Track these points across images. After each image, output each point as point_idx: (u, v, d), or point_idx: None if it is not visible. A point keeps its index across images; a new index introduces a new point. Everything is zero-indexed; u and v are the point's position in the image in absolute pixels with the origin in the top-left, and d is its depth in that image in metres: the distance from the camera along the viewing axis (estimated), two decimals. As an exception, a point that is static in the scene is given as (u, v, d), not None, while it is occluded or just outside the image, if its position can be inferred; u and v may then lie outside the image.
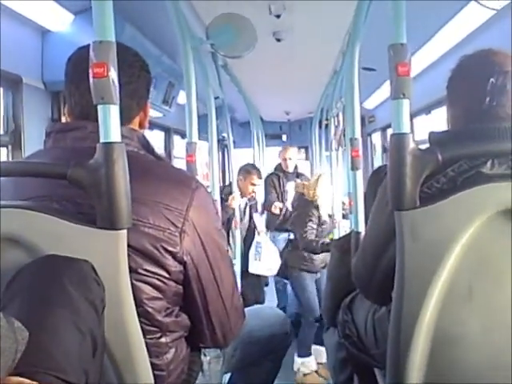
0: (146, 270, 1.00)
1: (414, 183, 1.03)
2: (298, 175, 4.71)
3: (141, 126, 1.20)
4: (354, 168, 1.96)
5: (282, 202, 4.55)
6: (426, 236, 1.06)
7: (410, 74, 1.01)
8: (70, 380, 0.73)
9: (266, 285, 4.25)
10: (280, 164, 4.78)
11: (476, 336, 1.07)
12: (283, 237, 4.23)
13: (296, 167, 4.77)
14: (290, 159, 4.67)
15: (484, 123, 1.15)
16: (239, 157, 6.49)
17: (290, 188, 4.51)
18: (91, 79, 0.88)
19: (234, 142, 3.91)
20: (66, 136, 1.07)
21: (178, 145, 4.97)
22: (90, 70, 0.88)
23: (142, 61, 1.17)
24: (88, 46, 1.08)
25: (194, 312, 1.13)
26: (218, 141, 4.21)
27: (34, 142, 2.07)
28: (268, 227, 4.48)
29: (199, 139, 1.95)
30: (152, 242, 1.00)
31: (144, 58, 1.19)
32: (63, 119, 1.15)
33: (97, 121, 0.93)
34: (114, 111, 0.89)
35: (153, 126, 4.21)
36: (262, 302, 3.81)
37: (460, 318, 1.07)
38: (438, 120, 3.57)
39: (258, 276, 3.89)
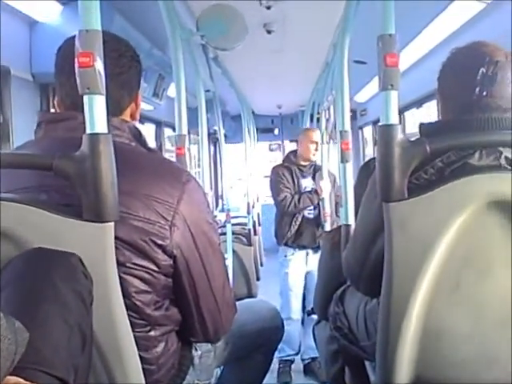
0: (134, 263, 1.00)
1: (402, 174, 1.03)
2: (316, 170, 3.55)
3: (132, 117, 1.19)
4: (343, 160, 1.96)
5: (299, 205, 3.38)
6: (414, 227, 1.06)
7: (398, 65, 1.01)
8: (58, 375, 0.72)
9: (258, 279, 4.25)
10: (291, 154, 3.69)
11: (464, 327, 1.07)
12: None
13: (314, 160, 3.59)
14: (314, 143, 3.48)
15: (474, 114, 1.15)
16: (230, 151, 6.49)
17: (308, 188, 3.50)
18: (76, 69, 0.87)
19: (225, 135, 3.90)
20: (57, 126, 1.06)
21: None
22: (76, 60, 0.87)
23: (132, 51, 1.16)
24: None
25: (184, 306, 1.13)
26: (209, 134, 4.20)
27: (22, 134, 2.04)
28: (279, 241, 3.60)
29: (190, 133, 1.94)
30: (141, 236, 0.99)
31: (134, 49, 1.18)
32: (52, 111, 1.14)
33: None
34: (100, 102, 0.88)
35: (144, 119, 4.18)
36: (254, 296, 3.81)
37: (448, 309, 1.08)
38: (429, 113, 3.59)
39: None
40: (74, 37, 1.07)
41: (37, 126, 1.09)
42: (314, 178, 3.54)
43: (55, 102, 1.15)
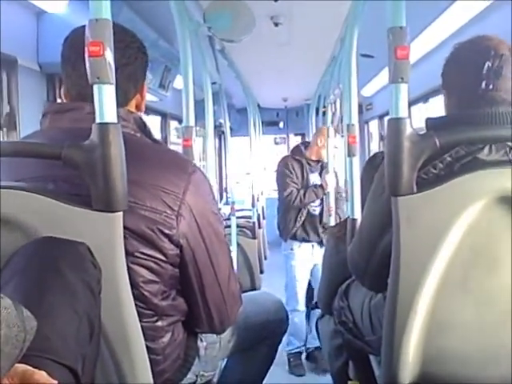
0: (142, 252, 1.00)
1: (410, 168, 1.03)
2: (323, 167, 3.53)
3: (138, 108, 1.19)
4: (350, 154, 1.96)
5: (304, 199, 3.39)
6: (422, 222, 1.05)
7: (408, 58, 1.00)
8: (66, 363, 0.73)
9: (262, 272, 4.26)
10: (302, 146, 3.68)
11: (470, 323, 1.07)
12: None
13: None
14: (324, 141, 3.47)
15: (481, 108, 1.15)
16: (236, 144, 6.48)
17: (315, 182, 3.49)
18: (86, 58, 0.86)
19: (231, 128, 3.89)
20: (63, 117, 1.06)
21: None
22: (86, 49, 0.86)
23: (139, 42, 1.16)
24: (83, 26, 1.06)
25: (190, 296, 1.13)
26: (215, 127, 4.19)
27: (29, 124, 2.04)
28: (282, 235, 3.61)
29: (196, 125, 1.94)
30: (149, 225, 0.99)
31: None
32: (59, 101, 1.14)
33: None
34: (110, 91, 0.87)
35: (149, 110, 4.18)
36: (257, 289, 3.81)
37: (455, 304, 1.08)
38: (436, 108, 3.57)
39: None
40: (80, 27, 1.08)
41: (42, 116, 1.09)
42: (320, 175, 3.54)
43: (61, 93, 1.15)
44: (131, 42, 1.13)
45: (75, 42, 1.08)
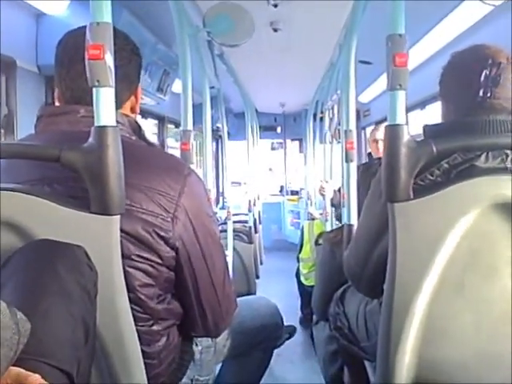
0: (138, 255, 1.00)
1: (408, 175, 1.03)
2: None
3: (132, 110, 1.19)
4: (348, 160, 1.96)
5: None
6: (418, 228, 1.06)
7: (407, 65, 1.01)
8: (61, 367, 0.72)
9: (258, 277, 4.25)
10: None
11: (467, 329, 1.07)
12: None
13: None
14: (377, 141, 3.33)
15: (478, 116, 1.15)
16: (233, 148, 6.48)
17: None
18: (87, 61, 0.87)
19: (228, 133, 3.88)
20: (57, 120, 1.06)
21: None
22: (86, 52, 0.86)
23: (132, 44, 1.16)
24: (77, 29, 1.07)
25: (185, 299, 1.13)
26: (213, 131, 4.19)
27: (27, 126, 2.04)
28: None
29: (193, 129, 1.94)
30: (145, 227, 0.99)
31: (140, 45, 1.18)
32: (56, 105, 1.14)
33: (89, 105, 0.92)
34: (110, 94, 0.88)
35: (147, 113, 4.17)
36: (253, 294, 3.81)
37: (451, 311, 1.08)
38: (433, 115, 3.58)
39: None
40: (73, 30, 1.09)
41: (37, 119, 1.09)
42: None
43: (55, 95, 1.15)
44: (124, 44, 1.13)
45: (68, 45, 1.08)
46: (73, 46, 1.06)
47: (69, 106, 1.08)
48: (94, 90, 0.87)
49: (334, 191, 3.63)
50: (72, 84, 1.07)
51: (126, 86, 1.13)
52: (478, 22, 2.33)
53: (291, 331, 2.62)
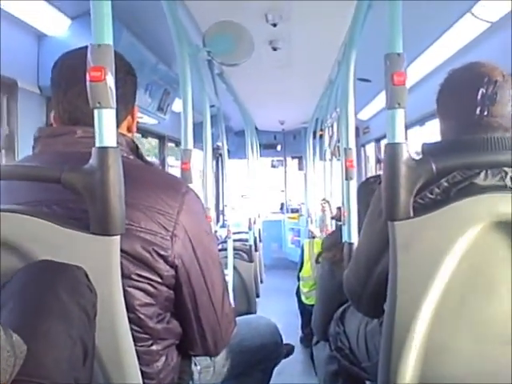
0: (138, 274, 1.00)
1: (407, 193, 1.03)
2: None
3: (129, 130, 1.19)
4: (348, 178, 1.96)
5: None
6: (419, 246, 1.06)
7: (405, 84, 1.01)
8: None
9: (258, 296, 4.23)
10: None
11: (468, 348, 1.07)
12: None
13: None
14: None
15: (476, 134, 1.16)
16: (233, 166, 6.49)
17: None
18: (88, 83, 0.87)
19: (228, 151, 3.89)
20: (55, 141, 1.07)
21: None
22: (87, 74, 0.87)
23: (128, 65, 1.16)
24: (72, 51, 1.08)
25: (184, 318, 1.12)
26: (213, 150, 4.20)
27: (27, 146, 2.05)
28: None
29: (194, 147, 1.95)
30: (145, 246, 0.99)
31: (140, 65, 1.19)
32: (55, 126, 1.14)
33: (86, 125, 0.92)
34: (111, 115, 0.88)
35: (147, 132, 4.19)
36: (253, 313, 3.79)
37: (452, 330, 1.07)
38: (432, 132, 3.59)
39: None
40: (68, 52, 1.10)
41: (34, 141, 1.10)
42: None
43: (51, 117, 1.15)
44: (120, 65, 1.13)
45: (64, 67, 1.09)
46: (69, 68, 1.07)
47: (66, 127, 1.09)
48: (95, 111, 0.88)
49: (337, 208, 3.64)
50: (69, 106, 1.07)
51: (123, 106, 1.14)
52: (475, 38, 2.35)
53: (289, 350, 2.61)
